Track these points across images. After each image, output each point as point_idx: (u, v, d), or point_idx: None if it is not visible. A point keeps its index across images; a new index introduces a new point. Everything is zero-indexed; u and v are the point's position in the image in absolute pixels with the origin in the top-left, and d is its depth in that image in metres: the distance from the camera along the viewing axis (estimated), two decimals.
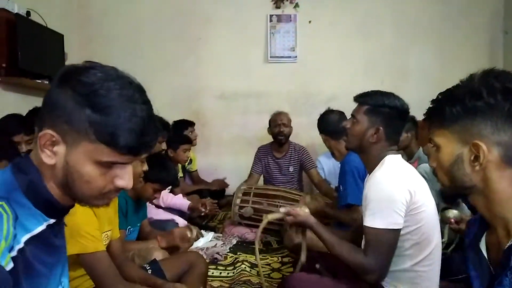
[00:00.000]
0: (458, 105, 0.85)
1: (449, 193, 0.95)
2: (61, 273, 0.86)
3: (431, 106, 0.93)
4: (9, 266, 0.66)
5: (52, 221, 0.79)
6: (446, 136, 0.89)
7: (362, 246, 1.56)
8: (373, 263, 1.33)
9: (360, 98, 1.59)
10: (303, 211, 1.62)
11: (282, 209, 1.68)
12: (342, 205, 2.33)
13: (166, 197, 2.92)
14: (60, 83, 0.74)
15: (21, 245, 0.70)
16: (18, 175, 0.76)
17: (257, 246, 1.79)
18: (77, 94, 0.72)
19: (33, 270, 0.73)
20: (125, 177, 0.78)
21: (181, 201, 2.97)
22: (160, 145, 3.03)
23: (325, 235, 1.50)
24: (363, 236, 1.42)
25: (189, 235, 2.13)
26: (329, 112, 2.81)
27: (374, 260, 1.33)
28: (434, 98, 0.93)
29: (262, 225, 1.75)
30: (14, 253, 0.68)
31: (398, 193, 1.35)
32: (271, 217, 1.74)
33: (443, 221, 1.91)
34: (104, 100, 0.72)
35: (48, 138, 0.73)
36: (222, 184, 3.98)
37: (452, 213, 1.98)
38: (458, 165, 0.87)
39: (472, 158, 0.84)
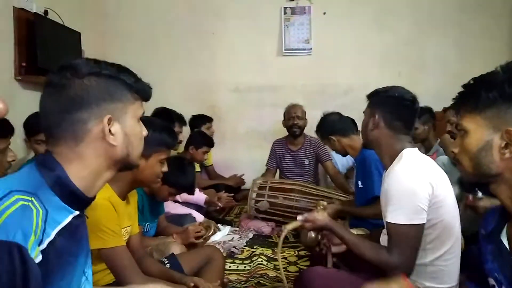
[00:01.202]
0: (495, 91, 0.84)
1: (470, 180, 0.94)
2: (84, 264, 0.90)
3: (463, 90, 0.92)
4: (38, 258, 0.70)
5: (76, 213, 0.84)
6: (476, 121, 0.88)
7: (381, 242, 1.55)
8: (398, 259, 1.31)
9: (368, 96, 1.61)
10: (321, 215, 1.61)
11: (299, 217, 1.65)
12: (367, 200, 2.28)
13: (168, 207, 2.90)
14: (79, 76, 0.83)
15: (51, 237, 0.74)
16: (44, 171, 0.80)
17: (279, 258, 1.78)
18: (105, 75, 0.85)
19: (63, 260, 0.78)
20: (144, 126, 0.95)
21: (198, 196, 2.99)
22: (178, 136, 3.04)
23: (346, 235, 1.48)
24: (386, 232, 1.39)
25: (203, 232, 2.16)
26: (327, 115, 2.72)
27: (398, 256, 1.31)
28: (467, 84, 0.92)
29: (282, 236, 1.73)
30: (44, 246, 0.72)
31: (420, 187, 1.32)
32: (289, 226, 1.72)
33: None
34: (123, 69, 0.90)
35: (106, 122, 0.83)
36: (239, 182, 3.99)
37: (472, 195, 1.94)
38: (486, 151, 0.86)
39: (502, 145, 0.84)
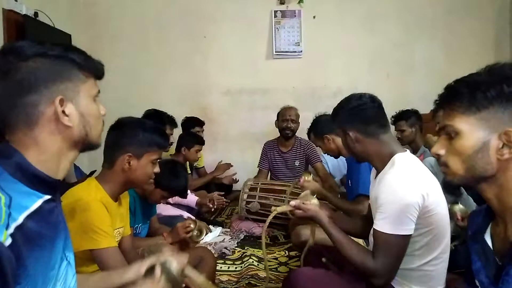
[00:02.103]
0: (493, 90, 0.82)
1: (459, 183, 0.90)
2: (64, 247, 0.89)
3: (453, 90, 0.89)
4: (8, 241, 0.70)
5: (47, 197, 0.83)
6: (470, 122, 0.85)
7: (370, 242, 1.57)
8: (381, 267, 1.31)
9: (332, 119, 1.63)
10: (313, 205, 1.59)
11: (292, 202, 1.63)
12: (353, 198, 2.30)
13: (159, 209, 2.89)
14: (23, 59, 0.81)
15: (18, 222, 0.73)
16: (2, 160, 0.79)
17: (263, 237, 1.77)
18: (52, 56, 0.83)
19: (34, 244, 0.77)
20: (101, 105, 0.93)
21: (190, 197, 3.00)
22: (169, 137, 3.04)
23: (334, 232, 1.46)
24: (372, 238, 1.38)
25: (192, 226, 2.16)
26: (320, 116, 2.74)
27: (382, 264, 1.31)
28: (457, 83, 0.88)
29: (270, 217, 1.72)
30: (11, 230, 0.71)
31: (411, 198, 1.29)
32: (280, 209, 1.71)
33: (449, 215, 1.91)
34: (69, 48, 0.87)
35: (58, 103, 0.82)
36: (226, 169, 3.95)
37: (459, 208, 1.95)
38: (482, 152, 0.83)
39: (500, 146, 0.82)
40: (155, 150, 1.57)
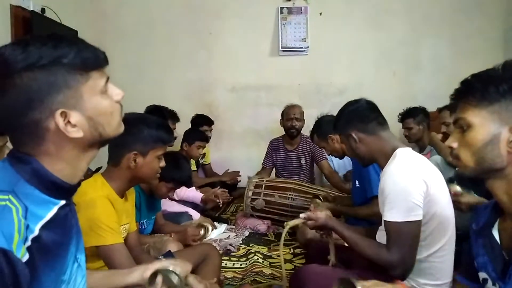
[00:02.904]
0: (505, 84, 0.84)
1: (469, 175, 0.92)
2: (76, 250, 0.87)
3: (467, 83, 0.91)
4: (25, 257, 0.68)
5: (62, 202, 0.81)
6: (482, 115, 0.87)
7: (377, 238, 1.57)
8: (397, 257, 1.33)
9: (334, 128, 1.71)
10: (322, 214, 1.63)
11: (301, 215, 1.67)
12: (365, 199, 2.29)
13: (180, 190, 2.96)
14: (10, 77, 0.72)
15: (35, 233, 0.71)
16: (18, 166, 0.76)
17: (281, 254, 1.80)
18: (40, 66, 0.73)
19: (50, 254, 0.75)
20: (115, 89, 0.84)
21: (194, 194, 3.01)
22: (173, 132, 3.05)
23: (347, 234, 1.51)
24: (385, 230, 1.40)
25: (202, 233, 2.18)
26: (322, 117, 2.72)
27: (397, 254, 1.33)
28: (470, 78, 0.91)
29: (284, 233, 1.75)
30: (28, 243, 0.69)
31: (414, 184, 1.34)
32: (291, 223, 1.73)
33: None
34: (60, 45, 0.75)
35: (60, 117, 0.75)
36: (234, 176, 4.00)
37: (454, 186, 1.97)
38: (492, 145, 0.86)
39: (511, 139, 0.84)
40: (161, 146, 1.57)
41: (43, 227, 0.74)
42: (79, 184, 0.86)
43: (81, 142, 0.79)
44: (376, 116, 1.57)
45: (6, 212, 0.68)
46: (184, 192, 2.98)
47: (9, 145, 1.79)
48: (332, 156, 2.77)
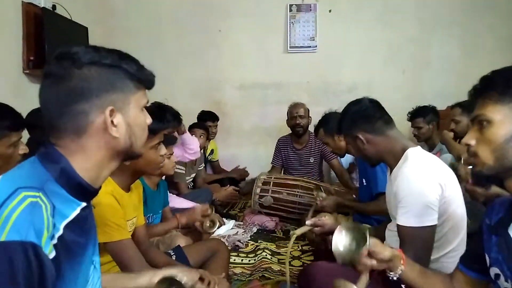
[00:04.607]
0: None
1: (487, 173, 0.90)
2: (92, 253, 0.90)
3: (487, 80, 0.91)
4: (52, 254, 0.70)
5: (84, 204, 0.84)
6: (503, 111, 0.86)
7: (386, 237, 1.57)
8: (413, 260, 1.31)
9: (338, 129, 1.66)
10: (329, 220, 1.63)
11: (308, 222, 1.66)
12: (371, 196, 2.29)
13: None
14: (78, 66, 0.80)
15: (60, 232, 0.74)
16: (48, 165, 0.79)
17: (287, 262, 1.79)
18: (106, 64, 0.82)
19: (72, 253, 0.78)
20: (148, 115, 0.92)
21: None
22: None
23: None
24: (398, 235, 1.37)
25: (209, 211, 2.17)
26: (331, 113, 2.67)
27: (413, 258, 1.27)
28: (491, 74, 0.90)
29: (291, 241, 1.73)
30: (55, 241, 0.72)
31: (430, 188, 1.31)
32: (299, 231, 1.72)
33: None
34: (125, 57, 0.86)
35: (109, 114, 0.81)
36: (242, 174, 4.02)
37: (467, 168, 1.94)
38: None
39: None
40: (151, 137, 1.49)
41: (66, 227, 0.76)
42: (99, 189, 0.89)
43: (114, 145, 0.85)
44: (381, 115, 1.52)
45: (37, 208, 0.70)
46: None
47: (23, 141, 1.81)
48: (332, 153, 2.76)
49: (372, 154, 1.53)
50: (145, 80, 0.89)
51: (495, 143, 0.87)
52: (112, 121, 0.81)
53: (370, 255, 1.07)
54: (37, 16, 3.01)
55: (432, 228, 1.31)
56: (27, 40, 2.96)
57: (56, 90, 0.80)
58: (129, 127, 0.85)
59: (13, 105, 1.62)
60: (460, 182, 1.48)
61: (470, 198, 2.02)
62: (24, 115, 1.72)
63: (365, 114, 1.52)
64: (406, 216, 1.32)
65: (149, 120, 0.92)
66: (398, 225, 1.35)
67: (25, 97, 2.77)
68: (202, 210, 2.19)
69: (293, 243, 2.59)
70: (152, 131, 1.54)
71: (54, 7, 3.21)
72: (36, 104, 2.40)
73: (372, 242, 1.02)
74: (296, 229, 2.89)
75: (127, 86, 0.84)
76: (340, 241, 1.11)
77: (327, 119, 2.68)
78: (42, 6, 3.05)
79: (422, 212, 1.29)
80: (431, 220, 1.30)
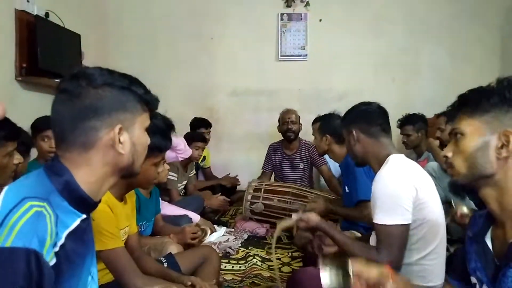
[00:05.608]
0: (496, 96, 0.91)
1: (462, 182, 0.97)
2: (90, 264, 0.94)
3: (463, 97, 0.99)
4: (53, 261, 0.74)
5: (84, 216, 0.88)
6: (474, 124, 0.94)
7: (371, 243, 1.61)
8: (386, 258, 1.36)
9: (341, 120, 1.76)
10: (314, 216, 1.67)
11: (294, 216, 1.71)
12: (353, 204, 2.32)
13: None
14: (94, 86, 0.86)
15: (62, 240, 0.78)
16: (53, 177, 0.84)
17: (274, 256, 1.84)
18: (118, 86, 0.89)
19: (71, 262, 0.82)
20: (148, 137, 0.99)
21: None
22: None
23: (338, 236, 1.56)
24: (374, 233, 1.46)
25: (199, 233, 2.21)
26: (335, 114, 2.68)
27: (387, 255, 1.37)
28: (467, 92, 0.98)
29: (276, 233, 1.78)
30: (56, 249, 0.76)
31: (404, 189, 1.39)
32: (284, 224, 1.77)
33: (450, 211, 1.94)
34: (133, 80, 0.93)
35: (117, 131, 0.87)
36: (233, 181, 4.04)
37: (462, 208, 2.01)
38: (483, 151, 0.92)
39: (499, 145, 0.90)
40: (156, 154, 1.56)
41: (68, 236, 0.81)
42: (99, 202, 0.95)
43: (118, 162, 0.90)
44: (382, 122, 1.60)
45: (42, 218, 0.75)
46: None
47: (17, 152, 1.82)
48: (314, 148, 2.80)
49: (359, 153, 1.62)
50: (150, 103, 0.96)
51: (466, 153, 0.94)
52: (119, 139, 0.88)
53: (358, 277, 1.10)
54: (30, 23, 3.03)
55: (406, 227, 1.38)
56: (20, 47, 2.97)
57: (71, 105, 0.86)
58: (133, 146, 0.91)
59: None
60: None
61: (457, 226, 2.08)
62: (17, 122, 1.74)
63: (367, 115, 1.62)
64: (381, 215, 1.39)
65: (149, 140, 0.99)
66: (374, 224, 1.43)
67: (18, 104, 2.78)
68: (192, 231, 2.24)
69: (283, 250, 2.66)
70: (159, 149, 1.57)
71: (47, 14, 3.22)
72: (28, 111, 2.42)
73: (355, 267, 1.05)
74: (286, 235, 2.95)
75: (135, 107, 0.91)
76: (327, 276, 1.14)
77: (330, 117, 2.70)
78: (35, 13, 3.06)
79: (396, 212, 1.37)
80: (405, 219, 1.38)
